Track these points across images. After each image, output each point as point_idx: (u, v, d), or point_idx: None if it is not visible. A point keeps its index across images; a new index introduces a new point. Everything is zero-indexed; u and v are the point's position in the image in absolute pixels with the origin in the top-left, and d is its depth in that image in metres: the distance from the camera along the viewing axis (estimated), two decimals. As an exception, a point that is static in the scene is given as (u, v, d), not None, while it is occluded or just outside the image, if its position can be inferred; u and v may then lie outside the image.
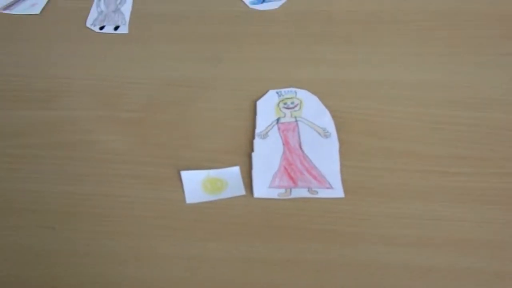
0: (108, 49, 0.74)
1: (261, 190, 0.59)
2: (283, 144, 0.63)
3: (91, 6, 0.82)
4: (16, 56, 0.73)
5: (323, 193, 0.59)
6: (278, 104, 0.67)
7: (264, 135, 0.64)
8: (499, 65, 0.70)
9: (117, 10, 0.81)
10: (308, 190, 0.59)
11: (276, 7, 0.80)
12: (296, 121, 0.65)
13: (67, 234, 0.56)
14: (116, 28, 0.78)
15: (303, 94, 0.68)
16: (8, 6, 0.82)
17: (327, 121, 0.65)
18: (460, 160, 0.61)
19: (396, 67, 0.71)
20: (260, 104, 0.67)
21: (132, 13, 0.80)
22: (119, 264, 0.54)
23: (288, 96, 0.68)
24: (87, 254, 0.55)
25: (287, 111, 0.66)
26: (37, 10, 0.81)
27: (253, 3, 0.81)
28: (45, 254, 0.54)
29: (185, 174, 0.60)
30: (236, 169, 0.61)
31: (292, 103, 0.67)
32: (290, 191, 0.59)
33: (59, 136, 0.64)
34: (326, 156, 0.62)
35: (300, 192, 0.59)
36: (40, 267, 0.54)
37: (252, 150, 0.63)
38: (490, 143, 0.63)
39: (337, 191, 0.59)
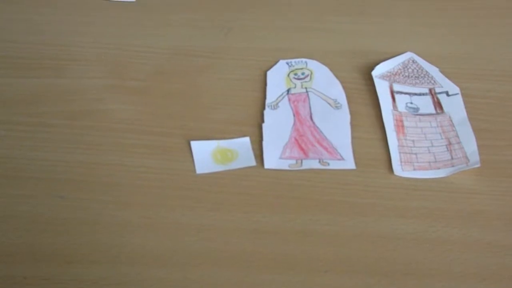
0: (117, 17, 0.73)
1: (271, 161, 0.59)
2: (294, 115, 0.63)
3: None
4: (25, 23, 0.72)
5: (334, 165, 0.58)
6: (288, 75, 0.66)
7: (275, 106, 0.63)
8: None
9: (124, -22, 0.80)
10: (319, 162, 0.59)
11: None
12: (307, 92, 0.65)
13: (78, 203, 0.56)
14: (125, -4, 0.77)
15: (313, 65, 0.67)
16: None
17: (338, 92, 0.65)
18: (475, 133, 0.60)
19: (410, 38, 0.70)
20: (270, 74, 0.66)
21: (140, -20, 0.79)
22: (130, 233, 0.54)
23: (298, 66, 0.67)
24: (97, 222, 0.54)
25: (298, 82, 0.66)
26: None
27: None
28: (56, 223, 0.54)
29: (195, 144, 0.60)
30: (246, 140, 0.60)
31: (303, 73, 0.66)
32: (301, 162, 0.59)
33: (69, 105, 0.63)
34: (337, 128, 0.62)
35: (311, 164, 0.59)
36: (52, 234, 0.54)
37: (262, 121, 0.62)
38: (504, 115, 0.62)
39: (348, 163, 0.59)
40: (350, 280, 0.51)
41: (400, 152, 0.59)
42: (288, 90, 0.65)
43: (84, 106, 0.63)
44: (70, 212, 0.55)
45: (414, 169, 0.58)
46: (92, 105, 0.63)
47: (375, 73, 0.65)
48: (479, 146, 0.58)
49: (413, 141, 0.60)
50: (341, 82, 0.65)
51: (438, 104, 0.63)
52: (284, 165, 0.59)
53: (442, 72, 0.66)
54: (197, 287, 0.51)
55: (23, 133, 0.61)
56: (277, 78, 0.66)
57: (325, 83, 0.66)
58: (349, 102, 0.63)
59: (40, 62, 0.68)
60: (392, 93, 0.64)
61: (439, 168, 0.58)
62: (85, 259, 0.52)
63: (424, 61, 0.67)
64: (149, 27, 0.72)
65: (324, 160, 0.59)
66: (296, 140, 0.61)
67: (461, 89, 0.64)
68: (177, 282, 0.51)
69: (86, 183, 0.57)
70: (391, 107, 0.63)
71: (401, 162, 0.58)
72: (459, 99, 0.63)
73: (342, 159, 0.59)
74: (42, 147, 0.60)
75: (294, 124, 0.62)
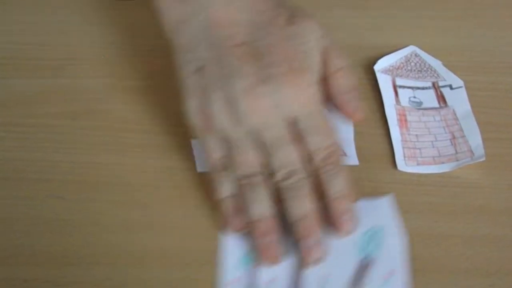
0: (116, 16, 0.73)
1: (273, 158, 0.58)
2: (296, 112, 0.62)
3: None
4: (23, 24, 0.71)
5: (337, 161, 0.58)
6: (290, 71, 0.66)
7: (276, 102, 0.63)
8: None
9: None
10: (322, 158, 0.58)
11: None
12: (309, 87, 0.64)
13: (78, 203, 0.55)
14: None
15: (315, 60, 0.67)
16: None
17: (340, 87, 0.64)
18: (480, 126, 0.59)
19: (413, 32, 0.69)
20: (272, 71, 0.65)
21: (138, -21, 0.78)
22: (131, 233, 0.53)
23: (300, 62, 0.66)
24: (98, 223, 0.54)
25: (299, 78, 0.65)
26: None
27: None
28: (56, 224, 0.54)
29: (196, 143, 0.59)
30: (247, 137, 0.60)
31: (305, 69, 0.66)
32: (304, 159, 0.58)
33: (68, 105, 0.63)
34: (340, 123, 0.61)
35: (314, 160, 0.58)
36: (52, 236, 0.53)
37: (264, 117, 0.61)
38: (509, 108, 0.61)
39: (351, 158, 0.58)
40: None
41: (403, 147, 0.58)
42: (289, 86, 0.64)
43: (83, 106, 0.63)
44: (70, 213, 0.55)
45: (418, 164, 0.57)
46: (91, 105, 0.63)
47: (377, 67, 0.64)
48: (484, 140, 0.58)
49: (416, 135, 0.59)
50: (343, 77, 0.64)
51: (441, 98, 0.62)
52: (286, 162, 0.58)
53: (445, 65, 0.65)
54: (203, 286, 0.50)
55: (22, 134, 0.60)
56: (279, 75, 0.65)
57: (327, 78, 0.65)
58: (351, 97, 0.63)
59: (39, 62, 0.67)
60: (395, 87, 0.63)
61: (443, 163, 0.57)
62: (86, 261, 0.52)
63: (427, 55, 0.66)
64: (149, 26, 0.71)
65: (327, 156, 0.58)
66: (298, 136, 0.60)
67: (465, 82, 0.63)
68: (180, 282, 0.51)
69: (86, 183, 0.57)
70: (393, 101, 0.62)
71: (404, 157, 0.58)
72: (463, 92, 0.62)
73: (345, 155, 0.58)
74: (41, 148, 0.59)
75: (296, 120, 0.61)
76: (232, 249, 0.52)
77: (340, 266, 0.50)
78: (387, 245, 0.51)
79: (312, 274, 0.50)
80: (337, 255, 0.51)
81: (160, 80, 0.65)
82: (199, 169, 0.58)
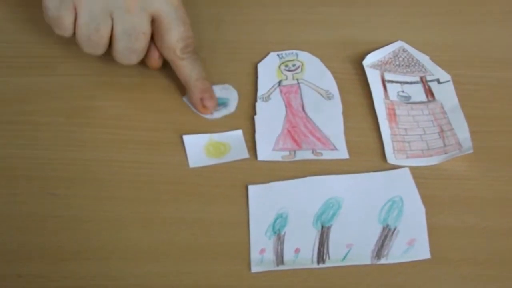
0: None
1: (264, 153, 0.59)
2: (286, 107, 0.63)
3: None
4: (13, 22, 0.71)
5: (328, 155, 0.58)
6: (279, 67, 0.66)
7: (266, 98, 0.63)
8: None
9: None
10: (313, 152, 0.59)
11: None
12: (298, 83, 0.65)
13: (70, 200, 0.55)
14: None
15: (304, 56, 0.67)
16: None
17: (329, 83, 0.64)
18: (467, 119, 0.60)
19: (400, 27, 0.70)
20: (261, 66, 0.66)
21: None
22: (124, 229, 0.54)
23: (289, 58, 0.67)
24: (91, 219, 0.54)
25: (289, 74, 0.66)
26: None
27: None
28: (50, 220, 0.54)
29: (187, 138, 0.59)
30: (239, 133, 0.60)
31: (294, 65, 0.66)
32: (294, 153, 0.59)
33: (59, 102, 0.63)
34: (329, 118, 0.61)
35: (305, 154, 0.58)
36: (45, 232, 0.53)
37: (254, 113, 0.62)
38: (495, 101, 0.62)
39: (342, 152, 0.59)
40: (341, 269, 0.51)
41: (392, 141, 0.59)
42: (279, 82, 0.65)
43: (74, 103, 0.63)
44: (63, 209, 0.55)
45: (407, 157, 0.58)
46: (82, 102, 0.63)
47: (366, 62, 0.65)
48: (471, 133, 0.58)
49: (405, 129, 0.60)
50: (333, 73, 0.65)
51: (429, 92, 0.63)
52: (277, 156, 0.58)
53: (432, 60, 0.66)
54: (193, 281, 0.51)
55: (14, 132, 0.60)
56: (268, 70, 0.66)
57: (317, 74, 0.65)
58: (341, 93, 0.63)
59: (30, 60, 0.67)
60: (384, 82, 0.64)
61: (432, 156, 0.58)
62: (79, 256, 0.52)
63: (414, 50, 0.67)
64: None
65: (317, 151, 0.59)
66: (288, 131, 0.60)
67: (452, 77, 0.64)
68: (172, 276, 0.51)
69: (78, 180, 0.57)
70: (382, 96, 0.62)
71: (394, 150, 0.58)
72: (450, 87, 0.63)
73: (335, 149, 0.59)
74: (33, 145, 0.59)
75: (286, 115, 0.62)
76: (259, 219, 0.54)
77: (363, 236, 0.53)
78: (407, 214, 0.53)
79: (336, 244, 0.52)
80: (360, 225, 0.53)
81: (152, 77, 0.65)
82: (191, 164, 0.58)
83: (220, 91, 0.63)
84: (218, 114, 0.61)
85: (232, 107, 0.62)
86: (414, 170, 0.57)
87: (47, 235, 0.53)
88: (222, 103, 0.62)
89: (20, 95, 0.64)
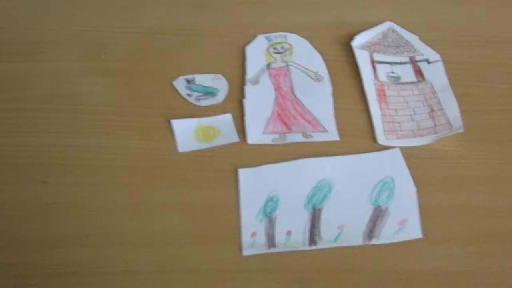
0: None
1: (255, 136, 0.58)
2: (275, 90, 0.62)
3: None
4: (3, 9, 0.70)
5: (318, 137, 0.58)
6: (267, 49, 0.66)
7: (255, 81, 0.63)
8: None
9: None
10: (303, 135, 0.58)
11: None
12: (287, 65, 0.64)
13: (60, 187, 0.55)
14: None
15: (293, 38, 0.67)
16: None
17: (318, 64, 0.64)
18: (457, 98, 0.60)
19: (389, 8, 0.69)
20: (249, 49, 0.66)
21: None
22: (115, 215, 0.53)
23: (277, 40, 0.67)
24: (81, 206, 0.54)
25: (278, 56, 0.65)
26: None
27: None
28: (40, 208, 0.54)
29: (176, 123, 0.59)
30: (228, 116, 0.60)
31: (282, 47, 0.66)
32: (285, 136, 0.58)
33: (44, 89, 0.62)
34: (319, 100, 0.61)
35: (295, 137, 0.58)
36: (36, 220, 0.53)
37: (243, 96, 0.61)
38: (484, 80, 0.62)
39: (332, 134, 0.58)
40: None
41: (383, 122, 0.59)
42: (268, 65, 0.64)
43: (60, 90, 0.62)
44: (54, 197, 0.54)
45: (398, 138, 0.58)
46: (69, 88, 0.62)
47: (355, 43, 0.65)
48: (461, 112, 0.58)
49: (395, 110, 0.60)
50: (322, 55, 0.65)
51: (419, 72, 0.63)
52: (268, 139, 0.58)
53: (422, 40, 0.65)
54: (186, 265, 0.51)
55: (1, 120, 0.60)
56: (257, 53, 0.65)
57: (306, 56, 0.65)
58: (330, 74, 0.63)
59: (16, 47, 0.66)
60: (373, 63, 0.63)
61: (422, 136, 0.58)
62: (71, 243, 0.52)
63: (403, 30, 0.66)
64: (124, 7, 0.70)
65: (308, 133, 0.58)
66: (278, 114, 0.60)
67: (441, 56, 0.64)
68: (165, 261, 0.51)
69: (67, 167, 0.56)
70: (372, 77, 0.62)
71: (384, 131, 0.58)
72: (439, 66, 0.63)
73: (326, 131, 0.59)
74: (19, 132, 0.59)
75: (276, 98, 0.61)
76: (250, 203, 0.54)
77: (355, 216, 0.53)
78: (398, 194, 0.54)
79: (327, 225, 0.52)
80: (351, 206, 0.53)
81: (139, 62, 0.64)
82: (180, 149, 0.58)
83: (212, 80, 0.62)
84: (205, 103, 0.61)
85: (220, 97, 0.61)
86: (405, 150, 0.57)
87: (38, 223, 0.53)
88: (210, 93, 0.61)
89: (6, 81, 0.63)
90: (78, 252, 0.51)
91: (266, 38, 0.67)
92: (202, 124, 0.59)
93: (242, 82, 0.63)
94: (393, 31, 0.67)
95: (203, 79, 0.63)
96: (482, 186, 0.54)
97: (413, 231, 0.51)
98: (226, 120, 0.60)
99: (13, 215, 0.53)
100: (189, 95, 0.61)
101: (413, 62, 0.64)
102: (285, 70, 0.64)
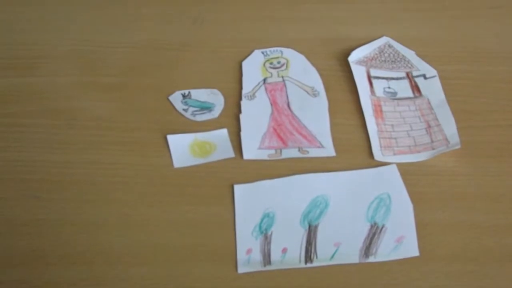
0: (88, 13, 0.72)
1: (250, 151, 0.58)
2: (271, 105, 0.62)
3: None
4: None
5: (314, 152, 0.58)
6: (264, 64, 0.66)
7: (251, 96, 0.63)
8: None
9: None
10: (299, 150, 0.58)
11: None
12: (284, 80, 0.64)
13: (54, 203, 0.54)
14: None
15: (289, 53, 0.67)
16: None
17: (315, 79, 0.64)
18: (454, 114, 0.60)
19: (386, 23, 0.69)
20: (245, 64, 0.65)
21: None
22: (108, 232, 0.53)
23: (274, 55, 0.66)
24: (74, 223, 0.53)
25: (274, 71, 0.65)
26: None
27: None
28: (32, 224, 0.53)
29: (171, 138, 0.58)
30: (224, 132, 0.59)
31: (279, 62, 0.66)
32: (281, 151, 0.58)
33: (41, 104, 0.62)
34: (315, 115, 0.61)
35: (291, 153, 0.58)
36: (28, 236, 0.52)
37: (239, 111, 0.61)
38: (481, 96, 0.62)
39: (328, 150, 0.58)
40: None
41: (379, 137, 0.58)
42: (264, 80, 0.64)
43: (57, 105, 0.62)
44: (46, 212, 0.54)
45: (395, 154, 0.57)
46: (65, 103, 0.62)
47: (351, 58, 0.64)
48: (458, 128, 0.58)
49: (392, 125, 0.59)
50: (318, 70, 0.65)
51: (415, 88, 0.62)
52: (263, 155, 0.58)
53: (418, 55, 0.65)
54: (182, 283, 0.50)
55: (-5, 134, 0.60)
56: (253, 68, 0.65)
57: (302, 71, 0.65)
58: (326, 89, 0.63)
59: (10, 61, 0.66)
60: (369, 78, 0.63)
61: (419, 152, 0.57)
62: (63, 261, 0.51)
63: (400, 45, 0.66)
64: (121, 22, 0.70)
65: (304, 149, 0.58)
66: (274, 129, 0.60)
67: (438, 72, 0.63)
68: (160, 279, 0.50)
69: (61, 182, 0.56)
70: (369, 92, 0.62)
71: (381, 147, 0.58)
72: (436, 82, 0.63)
73: (322, 146, 0.58)
74: (14, 147, 0.58)
75: (272, 113, 0.61)
76: (245, 219, 0.53)
77: (351, 233, 0.52)
78: (395, 211, 0.53)
79: (323, 243, 0.51)
80: (347, 223, 0.53)
81: (134, 77, 0.64)
82: (176, 164, 0.57)
83: (208, 95, 0.62)
84: (201, 118, 0.60)
85: (216, 112, 0.61)
86: (402, 167, 0.56)
87: (30, 240, 0.52)
88: (207, 108, 0.61)
89: (1, 96, 0.63)
90: (70, 270, 0.51)
91: (263, 53, 0.67)
92: (198, 139, 0.59)
93: (238, 97, 0.63)
94: (390, 46, 0.66)
95: (199, 94, 0.62)
96: (480, 203, 0.54)
97: (410, 248, 0.51)
98: (222, 135, 0.59)
99: (5, 231, 0.53)
100: (185, 110, 0.61)
101: (409, 77, 0.63)
102: (281, 85, 0.64)
